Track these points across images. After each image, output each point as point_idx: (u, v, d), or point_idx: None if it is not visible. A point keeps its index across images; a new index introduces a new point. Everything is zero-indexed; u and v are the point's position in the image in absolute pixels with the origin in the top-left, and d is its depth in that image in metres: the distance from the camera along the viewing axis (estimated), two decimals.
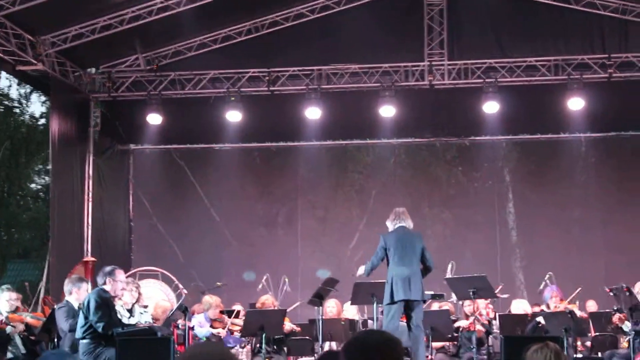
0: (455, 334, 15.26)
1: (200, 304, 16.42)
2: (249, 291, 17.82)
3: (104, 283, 11.96)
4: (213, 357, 3.44)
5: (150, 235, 21.03)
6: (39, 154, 33.63)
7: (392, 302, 12.60)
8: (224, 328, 14.86)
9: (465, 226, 20.54)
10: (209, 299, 15.15)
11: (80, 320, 11.82)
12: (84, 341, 11.78)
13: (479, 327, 14.70)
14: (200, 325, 14.78)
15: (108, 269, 12.25)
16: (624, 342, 14.36)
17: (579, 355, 14.61)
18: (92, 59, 19.68)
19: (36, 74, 18.49)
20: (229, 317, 15.29)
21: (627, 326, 13.51)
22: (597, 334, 15.19)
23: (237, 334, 14.91)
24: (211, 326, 14.85)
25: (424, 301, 13.27)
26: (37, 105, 45.00)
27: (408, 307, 12.74)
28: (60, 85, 18.94)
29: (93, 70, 20.01)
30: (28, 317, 13.48)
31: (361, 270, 13.29)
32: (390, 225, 13.14)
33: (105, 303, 11.76)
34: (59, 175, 19.12)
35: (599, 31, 18.69)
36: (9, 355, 12.81)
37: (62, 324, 12.58)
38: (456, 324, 15.14)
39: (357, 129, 20.64)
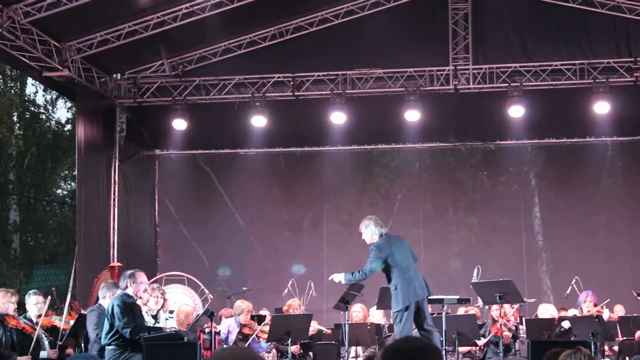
0: (483, 347, 15.22)
1: (227, 309, 16.45)
2: (274, 296, 17.82)
3: (126, 287, 11.99)
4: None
5: (176, 240, 21.09)
6: (65, 159, 33.79)
7: (406, 307, 12.53)
8: (252, 333, 14.85)
9: (490, 231, 20.49)
10: (241, 304, 15.15)
11: (106, 326, 11.85)
12: (110, 347, 11.80)
13: (506, 332, 14.65)
14: (229, 330, 14.78)
15: (129, 272, 12.28)
16: None
17: None
18: (118, 64, 19.76)
19: (62, 80, 18.56)
20: (256, 321, 15.30)
21: None
22: (625, 338, 15.13)
23: (263, 341, 14.91)
24: (240, 332, 14.84)
25: (433, 300, 13.27)
26: (63, 111, 45.30)
27: (417, 308, 12.68)
28: (86, 91, 19.02)
29: (118, 75, 20.07)
30: (57, 321, 13.51)
31: (339, 277, 13.26)
32: (372, 232, 13.07)
33: (129, 308, 11.78)
34: (85, 181, 19.18)
35: (624, 34, 18.59)
36: (42, 355, 12.85)
37: (91, 330, 12.62)
38: (482, 341, 15.08)
39: (382, 134, 20.66)
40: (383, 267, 12.83)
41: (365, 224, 13.15)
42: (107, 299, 12.86)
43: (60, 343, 13.13)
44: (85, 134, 18.96)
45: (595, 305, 15.25)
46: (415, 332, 12.68)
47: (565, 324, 14.57)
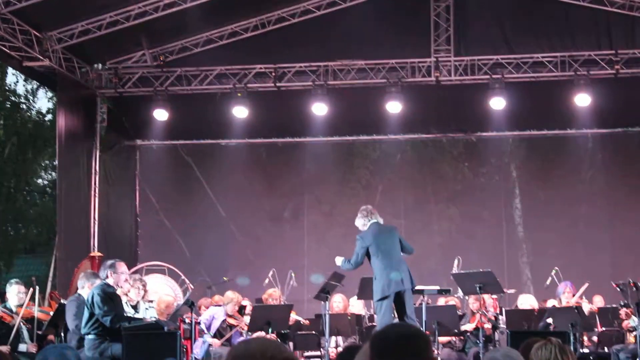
0: (465, 334, 15.29)
1: (206, 298, 16.46)
2: (255, 286, 17.82)
3: (107, 277, 12.00)
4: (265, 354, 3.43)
5: (157, 231, 21.06)
6: (46, 149, 33.61)
7: (384, 297, 12.63)
8: (237, 325, 14.85)
9: (471, 222, 20.54)
10: (231, 294, 15.14)
11: (85, 315, 11.85)
12: (89, 337, 11.81)
13: (485, 323, 14.70)
14: (213, 317, 14.77)
15: (109, 262, 12.30)
16: (630, 337, 14.39)
17: (586, 351, 14.62)
18: (99, 55, 19.69)
19: (43, 70, 18.50)
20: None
21: (634, 321, 13.52)
22: (604, 329, 15.22)
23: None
24: (224, 321, 14.84)
25: (422, 294, 13.31)
26: (43, 101, 45.01)
27: (398, 299, 12.75)
28: (66, 81, 18.96)
29: (100, 66, 20.01)
30: (37, 311, 13.49)
31: (339, 260, 13.34)
32: (362, 223, 13.21)
33: (110, 297, 11.79)
34: (65, 171, 19.15)
35: (605, 27, 18.65)
36: (21, 348, 12.83)
37: (70, 320, 12.61)
38: (462, 327, 15.14)
39: (363, 125, 20.67)
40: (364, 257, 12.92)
41: (357, 216, 13.17)
42: (85, 288, 12.86)
43: (40, 333, 13.12)
44: (66, 124, 18.91)
45: (574, 295, 15.32)
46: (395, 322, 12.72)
47: (551, 321, 14.64)
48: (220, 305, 15.24)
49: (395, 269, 12.73)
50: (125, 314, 12.33)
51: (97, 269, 16.29)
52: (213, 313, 14.91)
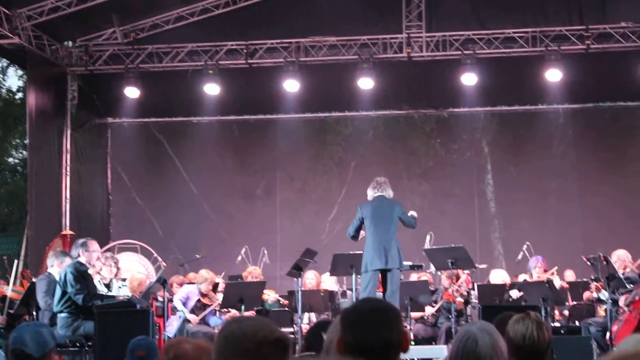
0: (435, 313, 15.38)
1: (178, 276, 16.43)
2: (227, 263, 17.82)
3: (78, 255, 11.97)
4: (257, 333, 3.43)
5: (129, 209, 20.99)
6: (17, 128, 33.48)
7: (366, 270, 12.69)
8: (211, 304, 14.84)
9: (443, 198, 20.57)
10: (205, 273, 15.10)
11: (58, 293, 11.82)
12: (62, 315, 11.79)
13: (458, 298, 14.79)
14: (188, 296, 14.75)
15: (81, 241, 12.28)
16: (600, 311, 14.49)
17: (557, 324, 14.72)
18: (69, 32, 19.57)
19: (12, 48, 18.38)
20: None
21: (604, 295, 13.61)
22: (575, 303, 15.33)
23: (220, 315, 14.95)
24: (199, 300, 14.82)
25: (401, 270, 13.34)
26: (14, 79, 44.66)
27: (384, 276, 12.81)
28: (37, 59, 18.85)
29: (70, 43, 19.89)
30: (8, 291, 13.45)
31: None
32: (369, 194, 13.22)
33: (82, 275, 11.77)
34: (36, 149, 19.08)
35: (576, 3, 18.72)
36: None
37: (40, 298, 12.57)
38: (429, 308, 15.25)
39: (335, 102, 20.65)
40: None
41: (369, 187, 13.27)
42: (55, 267, 12.82)
43: (12, 312, 13.08)
44: (37, 102, 18.81)
45: (545, 271, 15.41)
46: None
47: (514, 294, 14.72)
48: (193, 284, 15.21)
49: (383, 247, 12.76)
50: (97, 292, 12.32)
51: (68, 247, 16.25)
52: (188, 292, 14.88)
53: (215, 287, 15.47)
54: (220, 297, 14.73)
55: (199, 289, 14.91)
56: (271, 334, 3.44)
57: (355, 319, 4.06)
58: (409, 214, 13.39)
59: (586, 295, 14.68)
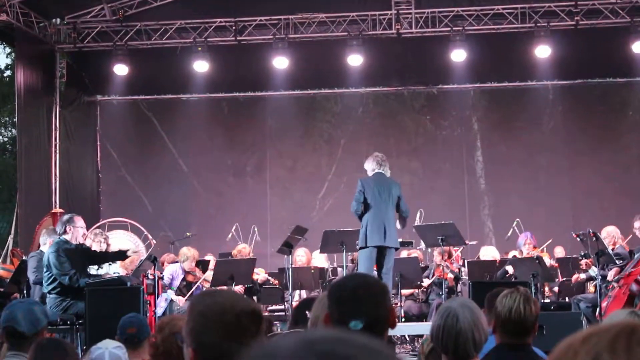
0: (425, 289, 15.43)
1: (169, 254, 16.44)
2: (218, 241, 17.83)
3: (64, 232, 11.93)
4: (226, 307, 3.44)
5: (119, 187, 20.99)
6: (5, 106, 33.36)
7: (366, 246, 12.69)
8: (196, 280, 14.86)
9: (433, 174, 20.62)
10: (186, 251, 15.09)
11: (45, 275, 11.81)
12: (51, 296, 11.77)
13: (449, 274, 14.84)
14: (173, 276, 14.76)
15: (66, 217, 12.24)
16: (590, 287, 14.54)
17: (547, 301, 14.77)
18: (57, 9, 19.48)
19: (0, 25, 18.28)
20: (198, 266, 15.28)
21: (593, 271, 13.65)
22: (564, 279, 15.38)
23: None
24: (184, 278, 14.84)
25: (396, 249, 13.35)
26: (2, 57, 44.59)
27: (380, 253, 12.81)
28: (25, 36, 18.76)
29: (58, 20, 19.80)
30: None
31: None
32: (370, 167, 13.12)
33: (66, 254, 11.72)
34: (25, 128, 19.02)
35: None
36: None
37: (30, 274, 12.57)
38: (425, 282, 15.29)
39: (325, 79, 20.65)
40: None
41: (367, 159, 13.21)
42: (47, 245, 12.81)
43: (2, 290, 13.08)
44: (25, 80, 18.74)
45: (535, 247, 15.45)
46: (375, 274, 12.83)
47: (510, 269, 14.74)
48: (177, 262, 15.21)
49: (383, 224, 12.75)
50: (88, 270, 12.30)
51: None
52: (172, 272, 14.85)
53: (206, 264, 15.48)
54: (209, 274, 14.74)
55: (182, 268, 14.91)
56: (248, 305, 3.46)
57: (341, 295, 4.07)
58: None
59: (575, 277, 14.68)
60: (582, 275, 14.29)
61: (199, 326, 3.46)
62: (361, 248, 12.81)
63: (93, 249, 13.24)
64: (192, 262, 14.99)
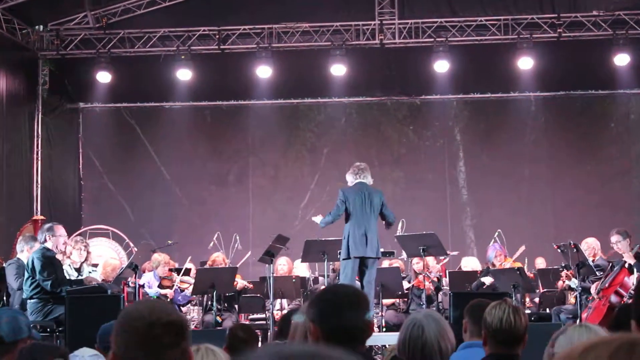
0: (406, 291, 15.44)
1: (150, 262, 16.40)
2: (199, 249, 17.80)
3: (45, 240, 11.90)
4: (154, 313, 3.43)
5: (101, 194, 20.93)
6: None
7: (348, 257, 12.69)
8: (172, 287, 14.83)
9: (416, 185, 20.63)
10: (157, 256, 15.08)
11: (27, 280, 11.77)
12: (32, 301, 11.75)
13: (427, 284, 14.86)
14: (149, 285, 14.72)
15: (47, 225, 12.23)
16: (571, 298, 14.59)
17: (527, 311, 14.78)
18: (40, 16, 19.45)
19: None
20: (180, 274, 15.26)
21: (574, 283, 13.70)
22: (545, 290, 15.42)
23: (187, 292, 14.93)
24: (160, 285, 14.81)
25: (378, 259, 13.36)
26: None
27: (363, 264, 12.82)
28: (7, 43, 18.73)
29: (41, 27, 19.77)
30: None
31: (317, 219, 13.31)
32: (351, 179, 13.13)
33: (49, 261, 11.70)
34: (7, 135, 18.96)
35: None
36: None
37: (12, 281, 12.52)
38: (405, 287, 15.32)
39: (308, 88, 20.63)
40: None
41: (348, 171, 13.21)
42: (25, 252, 12.76)
43: None
44: (7, 86, 18.72)
45: (506, 257, 15.45)
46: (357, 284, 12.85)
47: (487, 280, 14.75)
48: (151, 272, 15.14)
49: (365, 234, 12.75)
50: (67, 277, 12.28)
51: None
52: (146, 281, 14.77)
53: (187, 272, 15.45)
54: (187, 278, 14.74)
55: (156, 275, 14.86)
56: (166, 316, 3.43)
57: (323, 305, 4.09)
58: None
59: (559, 283, 14.74)
60: (568, 282, 14.32)
61: (116, 331, 3.47)
62: (345, 259, 12.81)
63: (74, 256, 13.22)
64: (165, 266, 14.94)
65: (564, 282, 14.57)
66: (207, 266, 15.60)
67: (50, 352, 5.72)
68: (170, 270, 15.21)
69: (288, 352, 1.76)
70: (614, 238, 13.50)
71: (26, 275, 11.76)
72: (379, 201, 13.02)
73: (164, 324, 3.39)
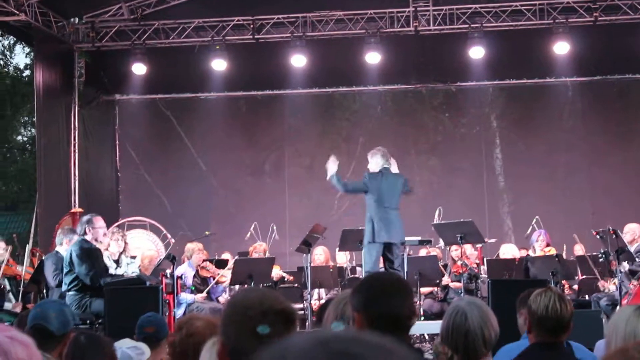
0: (444, 283, 15.40)
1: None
2: (237, 240, 17.84)
3: (84, 233, 11.93)
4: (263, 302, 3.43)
5: (138, 186, 21.01)
6: (25, 105, 33.51)
7: (374, 241, 12.70)
8: (210, 275, 14.81)
9: (452, 172, 20.56)
10: (190, 245, 15.03)
11: (66, 272, 11.82)
12: (70, 293, 11.79)
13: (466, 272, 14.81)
14: (185, 275, 14.70)
15: (86, 217, 12.24)
16: (610, 284, 14.46)
17: None
18: (75, 8, 19.53)
19: (19, 25, 18.34)
20: (218, 266, 15.26)
21: (624, 267, 13.47)
22: (584, 276, 15.31)
23: (220, 286, 14.90)
24: (197, 273, 14.75)
25: (404, 245, 13.36)
26: (21, 56, 44.80)
27: (387, 250, 12.82)
28: (43, 36, 18.83)
29: (76, 20, 19.86)
30: (19, 269, 13.47)
31: (333, 169, 13.29)
32: (380, 162, 13.10)
33: (87, 254, 11.73)
34: (44, 127, 19.09)
35: None
36: (6, 306, 12.82)
37: (49, 275, 12.58)
38: (443, 282, 15.28)
39: (343, 77, 20.60)
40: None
41: (372, 153, 13.28)
42: (64, 245, 12.83)
43: (22, 290, 13.12)
44: (44, 79, 18.82)
45: (548, 244, 15.37)
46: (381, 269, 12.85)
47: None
48: (185, 262, 15.12)
49: (387, 220, 12.76)
50: (107, 269, 12.33)
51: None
52: (182, 272, 14.72)
53: (224, 264, 15.47)
54: (227, 272, 14.73)
55: (191, 264, 14.80)
56: (277, 304, 3.43)
57: (368, 293, 4.09)
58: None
59: (601, 283, 14.60)
60: (611, 287, 14.18)
61: (226, 319, 3.46)
62: (370, 243, 12.81)
63: (112, 248, 13.26)
64: (199, 253, 14.86)
65: (605, 283, 14.42)
66: (248, 255, 15.60)
67: (101, 343, 5.75)
68: (211, 261, 15.19)
69: (326, 337, 1.77)
70: None
71: (65, 268, 11.81)
72: (401, 186, 13.07)
73: (276, 311, 3.39)
